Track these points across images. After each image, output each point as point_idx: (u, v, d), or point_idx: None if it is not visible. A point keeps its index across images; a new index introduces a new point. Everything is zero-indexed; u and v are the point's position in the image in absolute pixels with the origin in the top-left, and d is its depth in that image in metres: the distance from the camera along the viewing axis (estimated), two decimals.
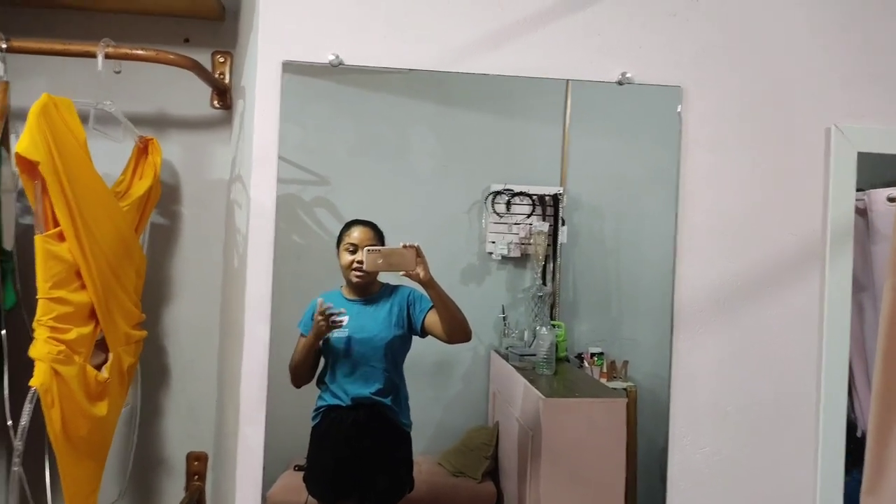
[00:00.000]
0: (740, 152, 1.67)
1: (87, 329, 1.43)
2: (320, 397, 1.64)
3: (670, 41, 1.65)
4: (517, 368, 1.76)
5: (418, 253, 1.51)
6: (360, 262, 1.58)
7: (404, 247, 1.51)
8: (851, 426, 1.65)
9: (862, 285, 1.76)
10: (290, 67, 1.59)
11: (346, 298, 1.67)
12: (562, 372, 1.80)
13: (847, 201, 1.63)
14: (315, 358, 1.63)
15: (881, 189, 1.76)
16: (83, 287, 1.43)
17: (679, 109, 1.65)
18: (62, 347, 1.36)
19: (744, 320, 1.66)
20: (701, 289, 1.65)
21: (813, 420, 1.63)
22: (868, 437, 1.62)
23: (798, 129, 1.68)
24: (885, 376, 1.61)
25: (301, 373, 1.63)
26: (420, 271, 1.51)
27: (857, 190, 1.66)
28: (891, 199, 1.71)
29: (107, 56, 1.52)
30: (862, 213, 1.78)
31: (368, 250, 1.52)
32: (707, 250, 1.65)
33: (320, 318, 1.56)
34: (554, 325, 1.81)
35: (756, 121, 1.67)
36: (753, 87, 1.67)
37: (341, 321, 1.58)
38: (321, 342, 1.61)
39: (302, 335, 1.62)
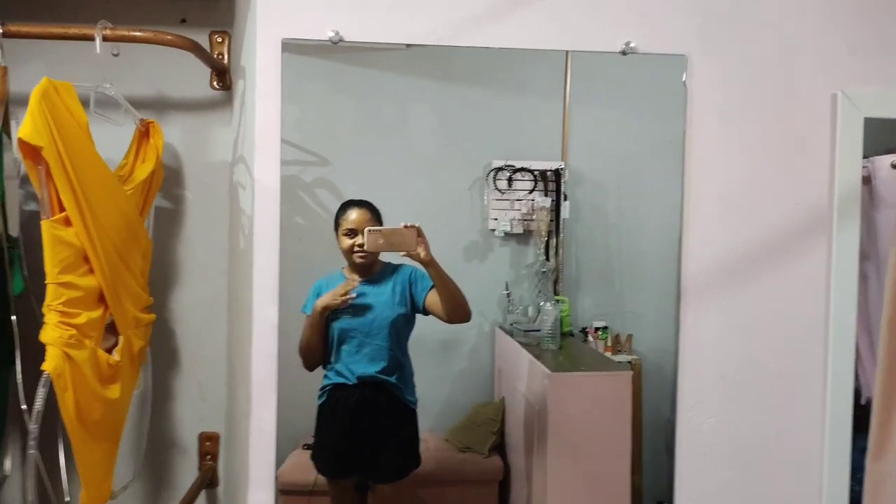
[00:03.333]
0: (746, 120, 1.65)
1: (96, 313, 1.43)
2: (326, 376, 1.65)
3: (675, 9, 1.63)
4: (522, 344, 1.77)
5: (419, 233, 1.50)
6: (361, 245, 1.58)
7: (405, 227, 1.50)
8: (856, 393, 1.66)
9: (865, 254, 1.75)
10: (288, 46, 1.58)
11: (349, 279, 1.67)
12: (566, 347, 1.80)
13: (854, 168, 1.62)
14: (323, 339, 1.63)
15: (885, 156, 1.74)
16: (91, 271, 1.42)
17: (684, 78, 1.63)
18: (73, 332, 1.36)
19: (751, 290, 1.66)
20: (707, 259, 1.65)
21: (820, 389, 1.64)
22: (873, 403, 1.62)
23: (804, 96, 1.66)
24: (891, 343, 1.61)
25: (312, 356, 1.64)
26: (421, 251, 1.50)
27: None
28: (894, 166, 1.70)
29: (105, 38, 1.50)
30: (865, 180, 1.76)
31: (369, 231, 1.51)
32: (713, 220, 1.65)
33: (339, 298, 1.60)
34: (558, 301, 1.81)
35: (762, 88, 1.65)
36: (759, 54, 1.65)
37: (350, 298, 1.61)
38: (326, 322, 1.62)
39: (307, 318, 1.63)
